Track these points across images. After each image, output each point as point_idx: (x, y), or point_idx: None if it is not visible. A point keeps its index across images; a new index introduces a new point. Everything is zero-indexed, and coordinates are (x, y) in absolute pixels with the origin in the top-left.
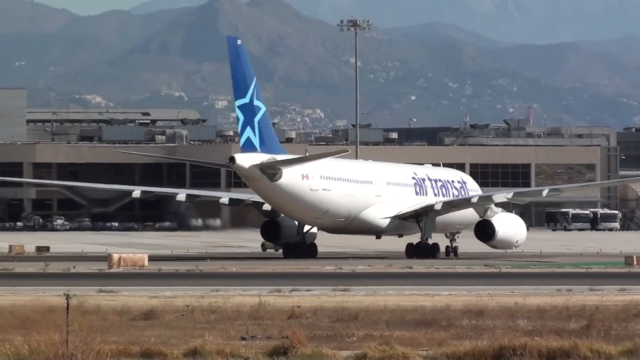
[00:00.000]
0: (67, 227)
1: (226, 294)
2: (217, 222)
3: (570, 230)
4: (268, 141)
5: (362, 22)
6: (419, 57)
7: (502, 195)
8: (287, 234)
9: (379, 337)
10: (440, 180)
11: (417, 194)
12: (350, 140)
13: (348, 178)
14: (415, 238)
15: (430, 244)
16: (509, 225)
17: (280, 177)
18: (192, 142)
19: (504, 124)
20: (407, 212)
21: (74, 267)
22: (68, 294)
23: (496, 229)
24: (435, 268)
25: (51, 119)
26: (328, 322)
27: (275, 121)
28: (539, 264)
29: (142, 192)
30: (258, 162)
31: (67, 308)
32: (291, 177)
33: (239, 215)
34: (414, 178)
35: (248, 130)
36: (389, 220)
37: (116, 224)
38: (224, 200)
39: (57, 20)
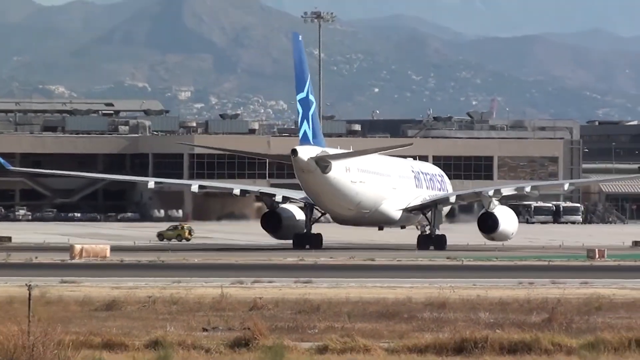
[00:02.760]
0: (30, 217)
1: (188, 285)
2: (180, 213)
3: (533, 223)
4: (318, 134)
5: (326, 14)
6: (382, 49)
7: (510, 188)
8: (287, 225)
9: (341, 329)
10: (428, 174)
11: (416, 186)
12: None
13: (375, 171)
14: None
15: (439, 235)
16: (508, 218)
17: (330, 169)
18: (155, 132)
19: (467, 116)
20: (418, 204)
21: (36, 257)
22: (30, 285)
23: (499, 222)
24: (398, 260)
25: (14, 109)
26: (290, 314)
27: (239, 112)
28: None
29: (155, 183)
30: (314, 154)
31: (29, 299)
32: (338, 170)
33: (202, 207)
34: (412, 171)
35: (305, 123)
36: (401, 212)
37: (79, 215)
38: (236, 191)
39: (21, 10)
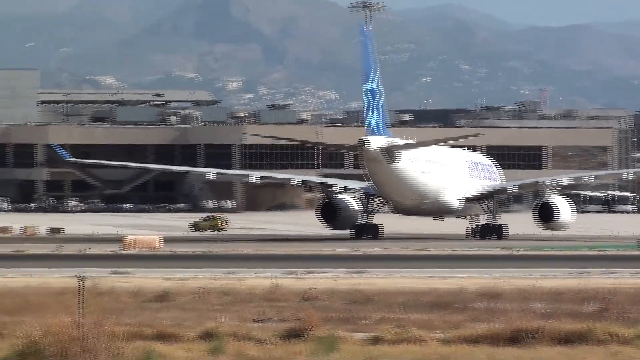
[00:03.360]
0: (80, 208)
1: (240, 276)
2: (230, 204)
3: (585, 212)
4: (384, 124)
5: (374, 3)
6: (432, 39)
7: (568, 177)
8: (344, 215)
9: (394, 320)
10: (482, 164)
11: (472, 177)
12: (363, 122)
13: (437, 161)
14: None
15: (499, 224)
16: (565, 208)
17: (398, 159)
18: (205, 123)
19: (517, 106)
20: (478, 194)
21: (88, 248)
22: (81, 276)
23: (558, 212)
24: (450, 250)
25: (64, 100)
26: (343, 305)
27: (289, 102)
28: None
29: (217, 174)
30: (383, 144)
31: (81, 290)
32: (405, 160)
33: (252, 197)
34: (467, 162)
35: (373, 113)
36: (460, 202)
37: (129, 206)
38: (295, 182)
39: (68, 0)
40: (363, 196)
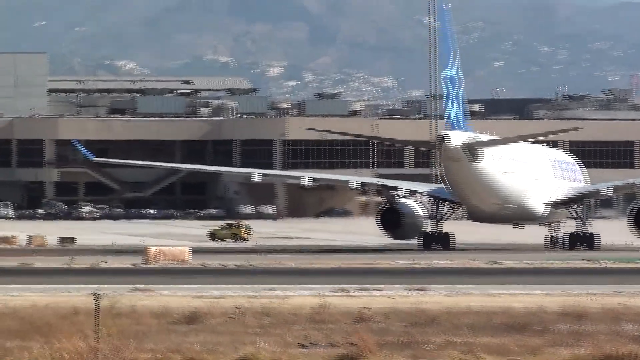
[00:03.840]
0: (96, 214)
1: (282, 294)
2: (272, 209)
3: None
4: (464, 116)
5: None
6: (505, 16)
7: None
8: (408, 223)
9: (462, 344)
10: (565, 162)
11: (556, 177)
12: (425, 113)
13: (521, 160)
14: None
15: (591, 233)
16: None
17: (480, 158)
18: (241, 115)
19: (604, 95)
20: (565, 198)
21: (104, 261)
22: (97, 294)
23: None
24: (527, 263)
25: (76, 88)
26: (402, 327)
27: (338, 91)
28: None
29: (261, 175)
30: (464, 141)
31: (96, 310)
32: (488, 159)
33: (297, 202)
34: (550, 160)
35: (452, 105)
36: (545, 207)
37: (153, 212)
38: (354, 184)
39: None
40: (430, 200)
